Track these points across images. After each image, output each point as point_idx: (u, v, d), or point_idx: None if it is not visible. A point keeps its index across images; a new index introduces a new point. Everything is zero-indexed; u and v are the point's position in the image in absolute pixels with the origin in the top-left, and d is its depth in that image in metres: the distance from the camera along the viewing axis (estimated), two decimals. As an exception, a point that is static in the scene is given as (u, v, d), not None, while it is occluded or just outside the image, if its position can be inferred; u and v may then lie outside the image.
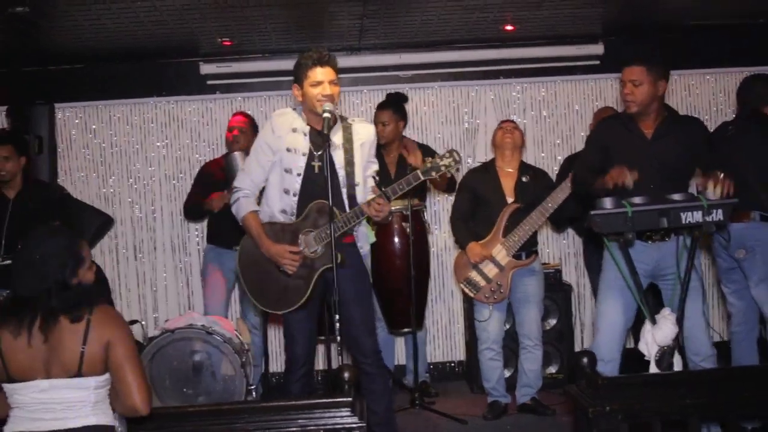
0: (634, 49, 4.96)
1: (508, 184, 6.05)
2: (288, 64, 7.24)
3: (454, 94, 7.67)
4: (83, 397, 3.12)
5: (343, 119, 4.85)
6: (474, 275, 5.96)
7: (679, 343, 4.23)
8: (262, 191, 4.89)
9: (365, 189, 4.80)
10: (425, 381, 6.74)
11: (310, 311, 4.80)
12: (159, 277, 7.57)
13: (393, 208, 5.57)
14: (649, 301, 6.02)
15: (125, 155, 7.56)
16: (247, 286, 4.91)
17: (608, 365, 4.52)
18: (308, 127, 4.74)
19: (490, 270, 5.93)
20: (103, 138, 7.55)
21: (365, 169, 4.83)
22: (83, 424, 3.11)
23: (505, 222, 5.93)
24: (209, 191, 6.50)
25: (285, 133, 4.72)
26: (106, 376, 3.16)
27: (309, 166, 4.69)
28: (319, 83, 4.62)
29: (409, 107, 7.11)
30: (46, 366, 3.09)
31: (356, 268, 4.80)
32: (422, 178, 4.69)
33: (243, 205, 4.81)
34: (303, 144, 4.71)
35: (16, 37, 6.59)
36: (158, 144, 7.57)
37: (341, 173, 4.73)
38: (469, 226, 6.10)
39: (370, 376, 4.81)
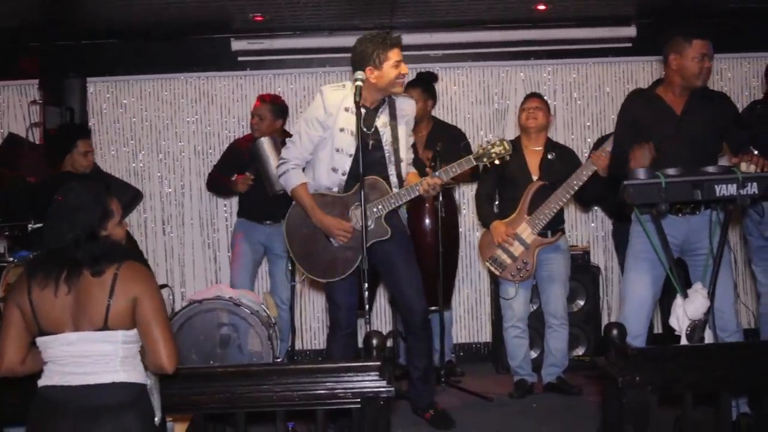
0: (667, 32, 4.88)
1: (533, 162, 6.00)
2: (319, 41, 7.38)
3: (485, 75, 7.64)
4: (111, 351, 3.12)
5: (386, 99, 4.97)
6: (500, 253, 5.93)
7: (710, 318, 4.18)
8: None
9: (407, 164, 4.99)
10: (451, 360, 6.74)
11: (355, 280, 4.91)
12: (187, 252, 7.61)
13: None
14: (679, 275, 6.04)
15: (155, 130, 7.60)
16: (294, 254, 5.06)
17: (636, 339, 4.49)
18: (363, 108, 4.81)
19: (516, 248, 5.91)
20: (133, 113, 7.58)
21: (408, 143, 5.01)
22: (112, 380, 3.11)
23: (529, 199, 5.90)
24: (235, 168, 6.53)
25: (337, 111, 4.82)
26: (135, 331, 3.17)
27: (362, 147, 4.75)
28: (399, 63, 4.79)
29: (439, 87, 7.09)
30: (75, 319, 3.11)
31: (403, 234, 5.04)
32: (474, 163, 4.94)
33: (292, 177, 4.94)
34: (355, 123, 4.77)
35: (50, 11, 6.63)
36: (188, 119, 7.59)
37: (388, 150, 4.89)
38: (494, 205, 6.08)
39: (417, 336, 5.12)
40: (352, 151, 4.80)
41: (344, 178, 4.87)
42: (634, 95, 5.06)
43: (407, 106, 5.05)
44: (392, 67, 4.79)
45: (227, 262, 7.31)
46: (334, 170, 4.83)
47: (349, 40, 7.22)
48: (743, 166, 4.24)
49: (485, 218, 6.09)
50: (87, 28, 7.15)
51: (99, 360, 3.12)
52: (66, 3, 6.48)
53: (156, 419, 3.30)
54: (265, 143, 6.18)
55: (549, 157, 6.02)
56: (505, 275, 5.95)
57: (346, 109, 4.83)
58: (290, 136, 6.51)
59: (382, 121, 4.92)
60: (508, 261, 5.92)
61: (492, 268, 5.99)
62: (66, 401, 3.09)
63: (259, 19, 6.98)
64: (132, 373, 3.17)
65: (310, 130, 4.88)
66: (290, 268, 6.13)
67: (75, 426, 3.06)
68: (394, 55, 4.79)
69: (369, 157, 4.81)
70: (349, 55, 7.10)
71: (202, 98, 7.60)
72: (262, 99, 6.59)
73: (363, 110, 4.80)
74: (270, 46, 7.38)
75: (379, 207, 4.83)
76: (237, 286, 6.35)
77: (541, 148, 6.06)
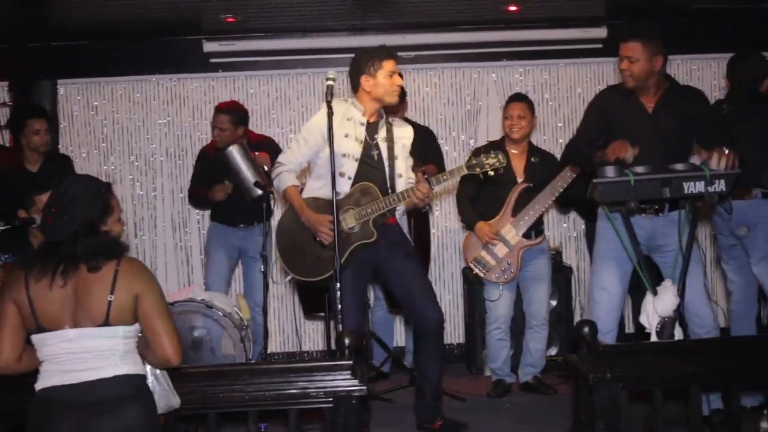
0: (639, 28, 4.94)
1: (518, 164, 6.00)
2: (291, 43, 7.38)
3: (457, 76, 7.66)
4: (112, 346, 3.11)
5: (386, 117, 5.13)
6: (484, 255, 5.94)
7: (680, 315, 4.22)
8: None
9: (406, 181, 5.06)
10: (424, 361, 6.72)
11: (355, 285, 4.95)
12: (159, 254, 7.58)
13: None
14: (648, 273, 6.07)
15: (127, 132, 7.57)
16: (281, 253, 5.12)
17: (606, 336, 4.51)
18: (365, 118, 4.98)
19: (500, 249, 5.91)
20: (104, 115, 7.55)
21: (406, 163, 5.12)
22: (114, 373, 3.11)
23: (514, 201, 5.91)
24: (208, 176, 6.50)
25: (339, 120, 4.88)
26: (136, 326, 3.17)
27: (366, 154, 4.94)
28: (393, 73, 4.92)
29: (411, 88, 7.11)
30: (74, 315, 3.09)
31: (404, 243, 5.12)
32: (466, 171, 5.01)
33: (284, 179, 5.04)
34: (360, 132, 4.94)
35: (20, 13, 6.59)
36: (160, 121, 7.57)
37: (386, 164, 5.01)
38: (476, 205, 6.09)
39: (430, 342, 5.09)
40: (358, 155, 4.91)
41: (350, 182, 4.92)
42: (607, 90, 5.10)
43: (404, 133, 5.17)
44: (386, 77, 4.89)
45: (200, 264, 7.29)
46: (341, 175, 4.87)
47: (321, 42, 7.37)
48: (713, 160, 4.28)
49: (468, 219, 6.09)
50: (57, 29, 7.11)
51: (100, 355, 3.11)
52: (36, 4, 6.44)
53: (176, 402, 3.35)
54: (234, 151, 6.11)
55: (532, 160, 6.03)
56: (489, 276, 5.95)
57: (349, 119, 4.94)
58: (259, 138, 6.57)
59: (381, 136, 5.02)
60: (492, 262, 5.92)
61: (476, 270, 5.99)
62: (70, 400, 3.08)
63: (231, 20, 6.97)
64: (132, 365, 3.17)
65: (309, 138, 4.97)
66: (262, 270, 6.10)
67: (80, 422, 3.05)
68: (388, 65, 4.89)
69: (372, 166, 4.95)
70: (322, 56, 7.15)
71: (174, 100, 7.58)
72: (219, 109, 6.48)
73: (365, 122, 4.96)
74: (242, 48, 7.37)
75: (368, 210, 4.88)
76: (211, 289, 6.31)
77: (524, 151, 6.06)
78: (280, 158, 5.13)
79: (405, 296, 5.07)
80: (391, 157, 5.02)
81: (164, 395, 3.32)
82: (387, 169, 5.00)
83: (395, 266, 5.01)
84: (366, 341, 6.27)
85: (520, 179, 5.98)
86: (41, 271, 3.10)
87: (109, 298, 3.08)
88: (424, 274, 5.22)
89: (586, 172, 4.96)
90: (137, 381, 3.18)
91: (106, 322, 3.09)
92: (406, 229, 5.23)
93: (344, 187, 4.90)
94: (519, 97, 6.15)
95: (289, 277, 5.47)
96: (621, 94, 4.87)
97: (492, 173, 4.98)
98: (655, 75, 4.75)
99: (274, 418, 4.23)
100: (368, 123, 4.98)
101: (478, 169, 4.95)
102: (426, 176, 5.06)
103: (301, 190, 5.09)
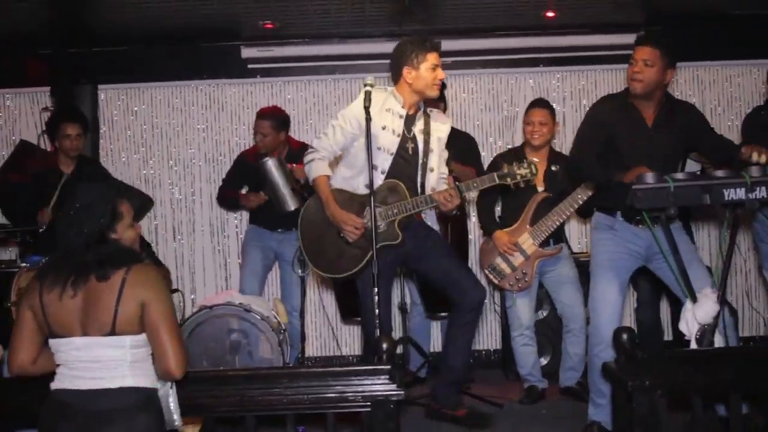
0: (676, 39, 4.89)
1: (538, 173, 5.97)
2: (329, 49, 7.41)
3: (494, 82, 7.67)
4: (119, 356, 3.11)
5: (425, 108, 5.03)
6: (499, 262, 5.92)
7: (720, 322, 4.18)
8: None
9: (438, 176, 5.01)
10: (461, 366, 6.72)
11: (385, 284, 4.90)
12: (197, 258, 7.65)
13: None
14: (639, 282, 6.02)
15: (166, 137, 7.65)
16: (304, 245, 5.07)
17: (608, 348, 4.43)
18: (404, 110, 4.90)
19: (516, 258, 5.88)
20: (144, 120, 7.64)
21: (440, 157, 5.03)
22: (120, 385, 3.10)
23: (533, 210, 5.88)
24: (244, 181, 6.55)
25: (378, 110, 4.82)
26: (144, 335, 3.15)
27: (401, 147, 4.87)
28: (436, 66, 4.83)
29: (448, 94, 7.09)
30: (83, 323, 3.10)
31: (431, 234, 5.04)
32: (497, 181, 4.89)
33: (316, 167, 4.97)
34: (398, 124, 4.87)
35: (61, 18, 6.68)
36: (198, 126, 7.64)
37: (421, 158, 4.93)
38: (495, 212, 6.06)
39: (464, 319, 5.03)
40: (394, 149, 4.86)
41: (383, 176, 4.87)
42: (606, 99, 5.02)
43: (441, 126, 5.08)
44: (429, 70, 4.82)
45: (237, 268, 7.33)
46: (374, 168, 4.79)
47: (359, 47, 7.38)
48: (754, 156, 4.25)
49: (488, 226, 6.06)
50: (98, 35, 7.20)
51: (108, 365, 3.11)
52: (77, 10, 6.53)
53: (177, 423, 3.30)
54: (271, 164, 6.10)
55: (552, 168, 5.97)
56: (503, 284, 5.94)
57: (388, 110, 4.87)
58: (300, 144, 6.59)
59: (418, 128, 4.95)
60: (507, 270, 5.90)
61: (491, 276, 5.98)
62: (75, 405, 3.10)
63: (269, 26, 7.02)
64: (141, 378, 3.16)
65: (345, 125, 4.90)
66: (300, 274, 6.10)
67: (86, 429, 3.07)
68: (432, 58, 4.83)
69: (406, 160, 4.89)
70: (359, 62, 7.14)
71: (212, 105, 7.64)
72: (261, 115, 6.50)
73: (404, 114, 4.89)
74: (280, 54, 7.41)
75: (394, 211, 4.83)
76: (246, 292, 6.35)
77: (543, 159, 5.99)
78: (315, 144, 5.07)
79: (443, 278, 4.99)
80: (426, 151, 4.94)
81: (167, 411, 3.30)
82: (420, 163, 4.93)
83: (425, 254, 4.95)
84: (403, 346, 6.27)
85: (540, 188, 5.91)
86: (54, 281, 3.13)
87: (116, 307, 3.07)
88: (459, 256, 5.09)
89: (601, 187, 4.94)
90: (144, 394, 3.16)
91: (113, 332, 3.08)
92: (434, 223, 5.16)
93: (377, 180, 4.83)
94: (541, 103, 6.08)
95: (308, 270, 5.45)
96: (619, 105, 4.79)
97: (523, 184, 4.94)
98: (662, 88, 4.69)
99: (312, 421, 4.24)
100: (407, 115, 4.92)
101: (509, 179, 4.87)
102: (456, 183, 5.02)
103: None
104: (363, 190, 4.85)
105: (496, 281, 5.96)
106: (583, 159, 4.84)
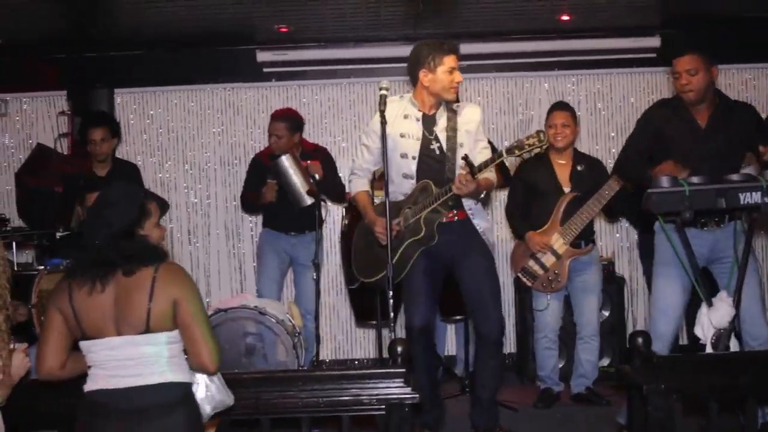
0: (690, 41, 4.90)
1: (563, 174, 5.95)
2: (343, 52, 7.42)
3: (509, 85, 7.67)
4: (157, 353, 3.11)
5: (448, 104, 4.94)
6: (531, 264, 5.91)
7: (735, 326, 4.17)
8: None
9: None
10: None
11: (423, 282, 4.88)
12: (212, 261, 7.67)
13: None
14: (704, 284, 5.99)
15: (181, 141, 7.68)
16: (353, 254, 5.25)
17: (659, 340, 4.45)
18: (420, 113, 4.88)
19: (548, 259, 5.87)
20: (160, 123, 7.67)
21: (473, 150, 4.88)
22: (159, 381, 3.11)
23: (562, 211, 5.87)
24: (261, 183, 6.56)
25: (395, 119, 4.83)
26: (177, 331, 3.16)
27: (425, 149, 4.85)
28: (453, 69, 4.77)
29: (463, 97, 7.09)
30: (116, 323, 3.10)
31: (472, 242, 4.91)
32: (506, 156, 4.76)
33: (354, 185, 5.14)
34: (416, 129, 4.86)
35: (77, 22, 6.72)
36: (214, 130, 7.67)
37: (447, 156, 4.87)
38: (524, 216, 6.05)
39: (490, 350, 4.96)
40: (416, 154, 4.85)
41: (413, 182, 4.87)
42: (660, 105, 5.05)
43: (469, 116, 4.96)
44: (446, 73, 4.77)
45: (252, 271, 7.36)
46: (405, 176, 4.85)
47: (373, 51, 7.39)
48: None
49: (519, 230, 6.05)
50: (114, 39, 7.24)
51: (145, 361, 3.11)
52: (93, 14, 6.57)
53: (230, 400, 3.34)
54: (286, 161, 6.21)
55: (578, 168, 5.96)
56: (537, 286, 5.92)
57: (405, 117, 4.87)
58: (313, 147, 6.62)
59: (440, 127, 4.89)
60: (540, 272, 5.89)
61: (524, 279, 5.96)
62: (113, 403, 3.10)
63: (284, 30, 7.05)
64: (178, 372, 3.16)
65: (368, 142, 4.98)
66: (315, 278, 6.13)
67: (124, 427, 3.07)
68: (449, 61, 4.77)
69: (434, 159, 4.86)
70: (374, 66, 7.14)
71: (227, 109, 7.68)
72: (275, 117, 6.52)
73: (421, 116, 4.87)
74: (295, 57, 7.43)
75: (419, 207, 4.82)
76: (263, 296, 6.37)
77: (568, 160, 6.01)
78: (352, 165, 5.24)
79: (471, 297, 4.92)
80: (452, 148, 4.86)
81: (220, 390, 3.31)
82: (447, 161, 4.88)
83: (466, 263, 4.88)
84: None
85: (566, 189, 5.91)
86: (82, 279, 3.13)
87: (149, 306, 3.08)
88: (494, 276, 5.00)
89: (642, 186, 4.92)
90: (182, 389, 3.17)
91: (147, 330, 3.09)
92: (482, 220, 5.03)
93: (409, 186, 4.87)
94: (562, 106, 6.09)
95: (357, 284, 5.49)
96: (672, 110, 4.83)
97: (532, 154, 4.78)
98: (712, 86, 4.71)
99: (327, 424, 4.26)
100: (425, 116, 4.88)
101: (518, 151, 4.68)
102: (467, 162, 4.80)
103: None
104: (400, 197, 4.91)
105: (529, 284, 5.95)
106: (627, 158, 4.92)
